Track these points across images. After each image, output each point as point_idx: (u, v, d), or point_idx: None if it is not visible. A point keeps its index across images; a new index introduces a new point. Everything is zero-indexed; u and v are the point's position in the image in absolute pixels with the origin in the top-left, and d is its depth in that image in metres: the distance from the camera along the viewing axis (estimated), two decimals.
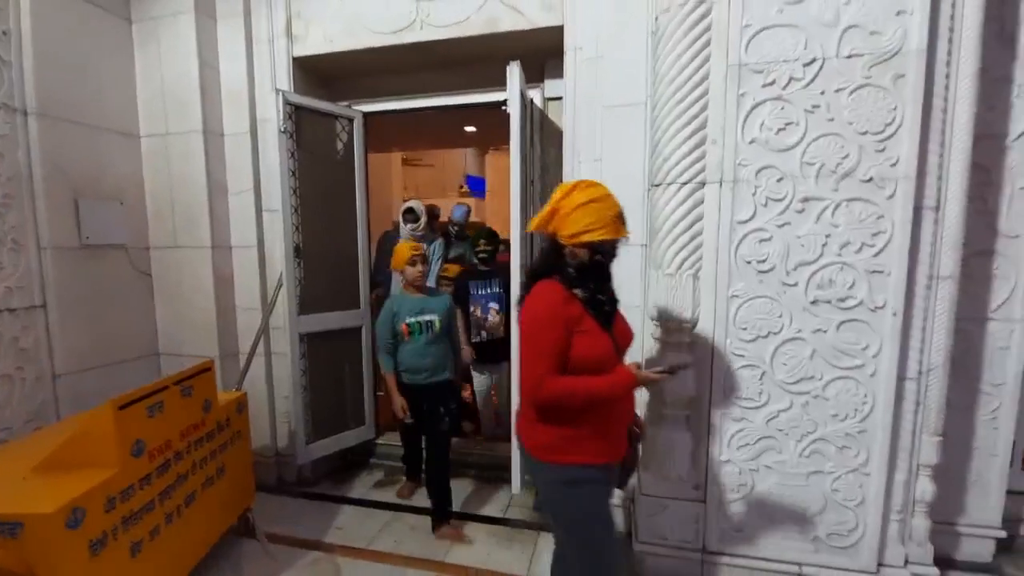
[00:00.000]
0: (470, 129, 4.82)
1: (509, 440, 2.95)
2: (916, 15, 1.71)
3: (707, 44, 1.89)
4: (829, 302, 1.89)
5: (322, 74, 3.12)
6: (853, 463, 1.94)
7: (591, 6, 2.36)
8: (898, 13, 1.72)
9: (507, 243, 3.34)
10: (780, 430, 1.98)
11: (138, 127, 2.89)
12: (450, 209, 4.23)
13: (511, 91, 2.43)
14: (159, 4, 2.77)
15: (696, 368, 2.05)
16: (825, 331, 1.90)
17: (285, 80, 2.88)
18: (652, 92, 2.11)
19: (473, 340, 3.27)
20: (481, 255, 3.30)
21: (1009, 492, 2.28)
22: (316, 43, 2.84)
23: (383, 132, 3.20)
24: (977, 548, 2.27)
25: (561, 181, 2.64)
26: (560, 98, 2.86)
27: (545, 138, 2.93)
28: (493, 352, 3.26)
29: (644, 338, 2.34)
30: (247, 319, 3.01)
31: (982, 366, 2.19)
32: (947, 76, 1.78)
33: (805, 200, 1.86)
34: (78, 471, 1.67)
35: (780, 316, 1.93)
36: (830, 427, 1.94)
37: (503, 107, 2.48)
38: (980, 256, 2.11)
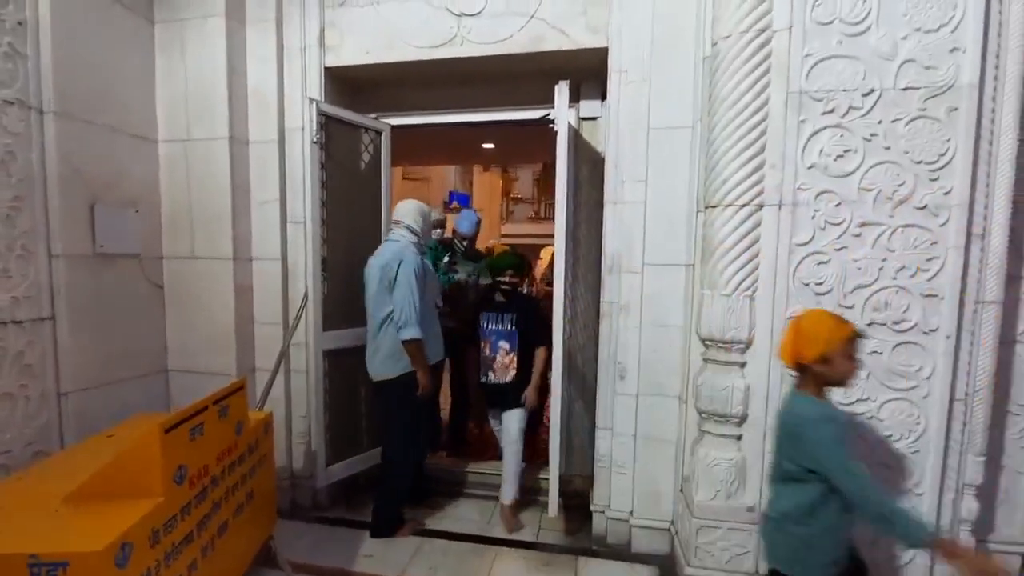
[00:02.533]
0: (488, 146, 4.81)
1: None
2: (969, 52, 1.81)
3: (767, 71, 1.95)
4: (885, 324, 1.94)
5: (352, 85, 3.06)
6: (907, 484, 1.97)
7: (637, 29, 2.41)
8: (952, 50, 1.82)
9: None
10: None
11: (156, 131, 2.75)
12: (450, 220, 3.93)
13: (559, 110, 2.44)
14: (187, 6, 2.67)
15: (751, 387, 2.06)
16: (881, 353, 1.95)
17: (316, 90, 2.81)
18: (707, 115, 2.15)
19: (481, 379, 2.92)
20: (505, 288, 2.83)
21: None
22: (351, 54, 2.79)
23: (397, 145, 3.14)
24: (1007, 564, 2.34)
25: (599, 199, 2.67)
26: (595, 118, 2.91)
27: (580, 157, 2.94)
28: (501, 398, 2.86)
29: (691, 357, 2.36)
30: (266, 334, 2.87)
31: (1011, 387, 2.27)
32: (993, 111, 1.88)
33: (862, 225, 1.92)
34: (118, 500, 1.53)
35: None
36: (887, 447, 1.97)
37: (551, 125, 2.49)
38: (1010, 282, 2.21)
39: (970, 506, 2.05)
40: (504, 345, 2.81)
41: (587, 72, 2.74)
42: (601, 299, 2.63)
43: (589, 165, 2.91)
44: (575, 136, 2.90)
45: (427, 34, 2.68)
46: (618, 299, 2.55)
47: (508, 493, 2.84)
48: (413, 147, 4.53)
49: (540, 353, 2.80)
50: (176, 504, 1.65)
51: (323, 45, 2.81)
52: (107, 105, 2.48)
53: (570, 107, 2.91)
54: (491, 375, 2.84)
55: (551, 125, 2.50)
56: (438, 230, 3.54)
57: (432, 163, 6.94)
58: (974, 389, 1.99)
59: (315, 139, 2.66)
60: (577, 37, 2.55)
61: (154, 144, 2.75)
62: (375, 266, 2.51)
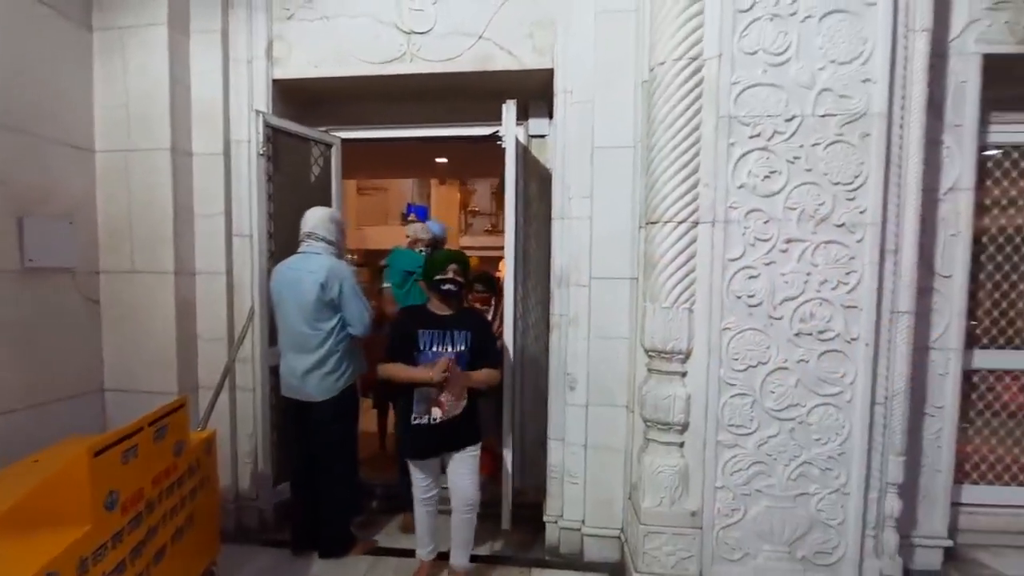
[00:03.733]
0: (441, 160, 4.84)
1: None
2: (878, 83, 1.97)
3: (699, 97, 2.06)
4: (811, 334, 2.06)
5: (301, 98, 3.04)
6: (835, 484, 2.10)
7: (581, 53, 2.50)
8: (864, 81, 1.97)
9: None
10: (769, 455, 2.11)
11: (94, 141, 2.65)
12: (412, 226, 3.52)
13: (507, 129, 2.50)
14: (128, 14, 2.60)
15: (692, 396, 2.15)
16: (808, 361, 2.07)
17: (263, 102, 2.78)
18: (645, 136, 2.25)
19: (415, 421, 2.20)
20: (450, 289, 2.25)
21: (952, 504, 2.54)
22: (300, 67, 2.78)
23: (349, 158, 3.13)
24: (929, 558, 2.50)
25: (548, 214, 2.73)
26: (543, 136, 2.99)
27: (529, 173, 3.01)
28: (452, 436, 2.25)
29: (636, 367, 2.43)
30: (210, 351, 2.78)
31: (927, 390, 2.45)
32: (900, 137, 2.04)
33: (788, 241, 2.04)
34: (44, 528, 1.45)
35: (768, 347, 2.08)
36: (814, 451, 2.09)
37: (498, 142, 2.54)
38: (921, 293, 2.39)
39: (893, 504, 2.19)
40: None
41: (535, 91, 2.82)
42: (551, 311, 2.69)
43: (538, 181, 2.98)
44: (524, 153, 2.97)
45: (377, 50, 2.70)
46: (567, 311, 2.61)
47: (460, 558, 2.37)
48: (366, 160, 4.51)
49: (492, 372, 2.32)
50: (107, 531, 1.58)
51: (271, 57, 2.78)
52: (39, 114, 2.38)
53: (519, 125, 3.00)
54: (435, 412, 2.18)
55: (499, 142, 2.54)
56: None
57: (387, 176, 6.91)
58: (892, 393, 2.13)
59: (261, 151, 2.63)
60: (524, 58, 2.62)
61: (91, 154, 2.65)
62: (309, 282, 2.36)
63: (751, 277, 2.08)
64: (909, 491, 2.44)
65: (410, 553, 2.57)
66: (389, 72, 2.72)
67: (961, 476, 2.70)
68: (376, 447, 4.06)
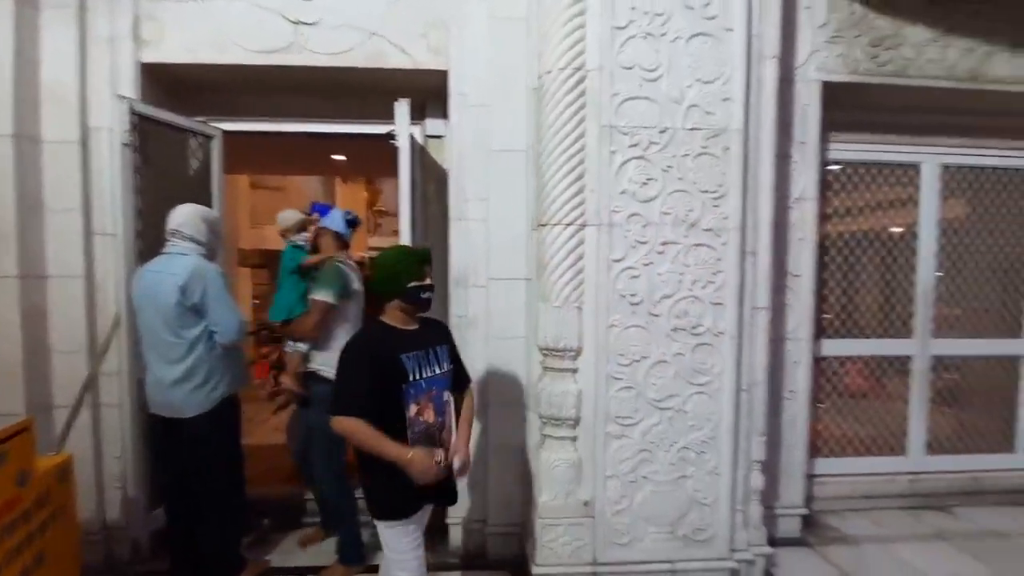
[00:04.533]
0: (339, 157, 4.65)
1: None
2: (737, 102, 2.19)
3: (583, 106, 2.17)
4: (685, 329, 2.24)
5: (177, 85, 2.79)
6: (708, 466, 2.29)
7: (475, 56, 2.53)
8: (724, 100, 2.19)
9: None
10: (653, 443, 2.26)
11: None
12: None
13: (400, 128, 2.47)
14: None
15: (583, 392, 2.25)
16: (684, 354, 2.25)
17: (129, 87, 2.51)
18: (536, 141, 2.33)
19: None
20: (424, 300, 1.76)
21: (807, 476, 2.89)
22: (174, 52, 2.55)
23: (238, 152, 2.92)
24: (790, 526, 2.82)
25: (444, 215, 2.74)
26: (440, 136, 2.99)
27: (427, 173, 2.99)
28: (448, 489, 1.85)
29: (532, 366, 2.50)
30: (67, 364, 2.47)
31: (784, 377, 2.77)
32: (756, 151, 2.29)
33: (664, 244, 2.21)
34: None
35: (649, 343, 2.23)
36: (690, 436, 2.27)
37: (391, 140, 2.50)
38: (777, 291, 2.69)
39: (757, 479, 2.45)
40: (447, 397, 1.83)
41: (432, 91, 2.80)
42: (449, 312, 2.69)
43: (437, 182, 2.97)
44: (421, 153, 2.95)
45: (261, 38, 2.55)
46: (465, 313, 2.63)
47: None
48: (256, 155, 4.25)
49: (471, 395, 1.98)
50: None
51: (138, 38, 2.53)
52: None
53: (416, 124, 2.97)
54: (439, 454, 1.74)
55: (393, 141, 2.51)
56: (303, 233, 3.01)
57: (281, 172, 6.53)
58: (754, 381, 2.38)
59: (127, 141, 2.37)
60: (419, 57, 2.60)
61: None
62: (169, 284, 2.13)
63: (633, 277, 2.22)
64: (771, 467, 2.74)
65: (312, 571, 2.45)
66: (274, 63, 2.58)
67: (814, 451, 3.07)
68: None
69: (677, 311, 2.24)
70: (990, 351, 3.30)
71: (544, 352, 2.32)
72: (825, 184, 2.94)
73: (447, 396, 1.82)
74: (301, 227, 2.97)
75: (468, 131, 2.57)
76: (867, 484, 3.16)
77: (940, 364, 3.26)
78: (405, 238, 2.52)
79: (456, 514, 2.71)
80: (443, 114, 2.89)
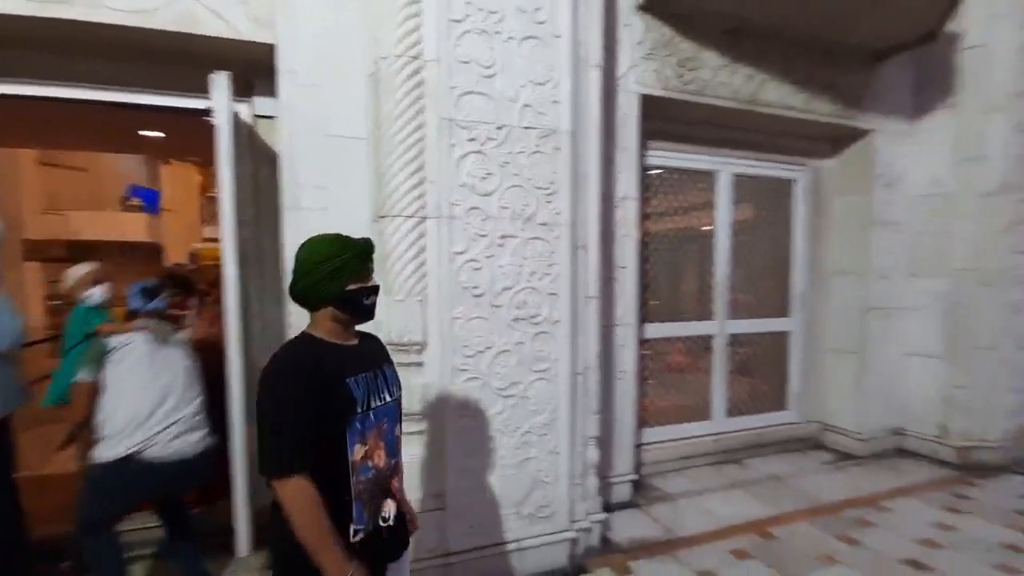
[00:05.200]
0: (153, 134, 3.97)
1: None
2: (565, 105, 2.34)
3: (422, 96, 2.14)
4: (525, 319, 2.35)
5: None
6: (549, 447, 2.43)
7: (307, 31, 2.34)
8: (554, 102, 2.32)
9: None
10: (499, 430, 2.33)
11: None
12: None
13: (218, 103, 2.19)
14: None
15: (430, 385, 2.23)
16: (524, 343, 2.35)
17: None
18: (375, 129, 2.24)
19: (358, 538, 1.28)
20: (368, 306, 1.38)
21: (636, 446, 3.24)
22: None
23: (11, 122, 2.34)
24: (622, 491, 3.13)
25: (278, 204, 2.50)
26: (272, 117, 2.73)
27: (257, 157, 2.71)
28: (402, 539, 1.46)
29: None
30: None
31: (615, 358, 3.06)
32: (584, 153, 2.48)
33: (503, 237, 2.28)
34: None
35: (492, 333, 2.29)
36: (533, 421, 2.39)
37: (209, 118, 2.21)
38: (606, 282, 2.96)
39: (593, 454, 2.66)
40: (399, 432, 1.45)
41: (262, 67, 2.53)
42: (289, 312, 2.47)
43: (270, 166, 2.70)
44: (250, 134, 2.66)
45: None
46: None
47: None
48: (43, 125, 3.46)
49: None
50: None
51: None
52: None
53: (243, 101, 2.68)
54: (388, 508, 1.38)
55: (209, 118, 2.22)
56: (96, 289, 2.57)
57: (79, 147, 5.45)
58: (588, 365, 2.58)
59: None
60: (239, 26, 2.33)
61: None
62: None
63: (475, 269, 2.26)
64: (606, 442, 3.01)
65: None
66: (53, 15, 2.10)
67: (642, 423, 3.46)
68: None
69: (517, 302, 2.33)
70: (769, 328, 4.04)
71: (390, 347, 2.24)
72: (646, 186, 3.32)
73: (398, 430, 1.43)
74: (94, 280, 2.47)
75: (300, 113, 2.37)
76: (683, 447, 3.66)
77: (736, 341, 3.89)
78: (227, 229, 2.25)
79: None
80: (274, 92, 2.63)
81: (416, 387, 2.23)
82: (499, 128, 2.23)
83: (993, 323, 3.55)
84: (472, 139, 2.20)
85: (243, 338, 2.41)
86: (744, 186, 3.83)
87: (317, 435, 1.21)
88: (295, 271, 1.31)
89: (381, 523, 1.35)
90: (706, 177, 3.68)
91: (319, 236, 1.35)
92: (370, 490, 1.31)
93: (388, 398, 1.38)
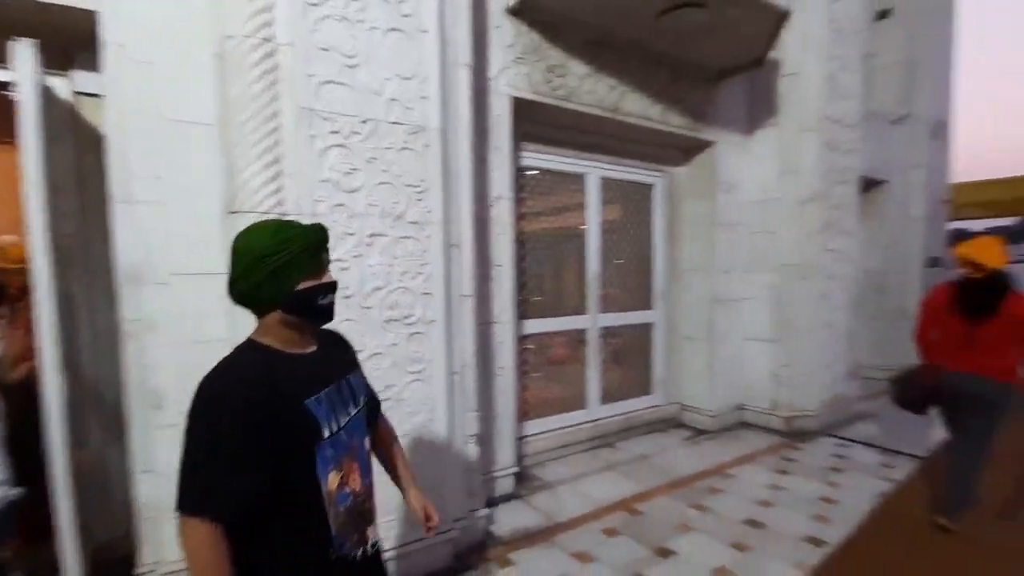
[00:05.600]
0: None
1: None
2: (434, 102, 2.32)
3: (276, 83, 1.99)
4: (399, 320, 2.29)
5: None
6: (430, 448, 2.40)
7: (137, 1, 2.06)
8: (422, 97, 2.30)
9: None
10: None
11: None
12: None
13: (22, 75, 1.84)
14: None
15: None
16: (398, 344, 2.30)
17: None
18: (223, 115, 2.03)
19: (338, 556, 1.16)
20: (325, 307, 1.19)
21: (518, 439, 3.33)
22: None
23: None
24: (505, 484, 3.20)
25: (107, 193, 2.18)
26: (99, 96, 2.37)
27: (82, 141, 2.33)
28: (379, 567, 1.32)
29: None
30: None
31: (494, 356, 3.12)
32: (456, 151, 2.48)
33: (372, 236, 2.21)
34: None
35: (363, 335, 2.21)
36: (412, 422, 2.35)
37: (5, 91, 1.85)
38: (483, 280, 3.00)
39: (473, 451, 2.69)
40: (368, 444, 1.29)
41: (86, 37, 2.18)
42: (122, 316, 2.16)
43: (97, 152, 2.34)
44: (72, 115, 2.29)
45: None
46: (143, 315, 2.14)
47: None
48: None
49: (390, 430, 1.51)
50: None
51: None
52: None
53: (61, 76, 2.30)
54: (371, 533, 1.25)
55: (5, 92, 1.86)
56: None
57: None
58: (465, 363, 2.60)
59: None
60: None
61: None
62: None
63: (343, 270, 2.15)
64: (487, 438, 3.06)
65: None
66: None
67: (523, 416, 3.57)
68: None
69: (389, 302, 2.27)
70: (635, 320, 4.40)
71: None
72: (521, 186, 3.42)
73: (367, 442, 1.27)
74: None
75: (132, 92, 2.07)
76: (562, 436, 3.84)
77: (608, 333, 4.17)
78: (35, 224, 1.90)
79: (148, 561, 2.21)
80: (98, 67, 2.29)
81: None
82: (364, 122, 2.15)
83: (809, 311, 4.21)
84: (335, 131, 2.09)
85: (64, 350, 2.06)
86: (612, 188, 4.12)
87: (275, 471, 1.03)
88: (231, 268, 1.09)
89: (366, 551, 1.21)
90: (577, 179, 3.89)
91: (259, 224, 1.11)
92: (353, 520, 1.17)
93: (353, 410, 1.21)
